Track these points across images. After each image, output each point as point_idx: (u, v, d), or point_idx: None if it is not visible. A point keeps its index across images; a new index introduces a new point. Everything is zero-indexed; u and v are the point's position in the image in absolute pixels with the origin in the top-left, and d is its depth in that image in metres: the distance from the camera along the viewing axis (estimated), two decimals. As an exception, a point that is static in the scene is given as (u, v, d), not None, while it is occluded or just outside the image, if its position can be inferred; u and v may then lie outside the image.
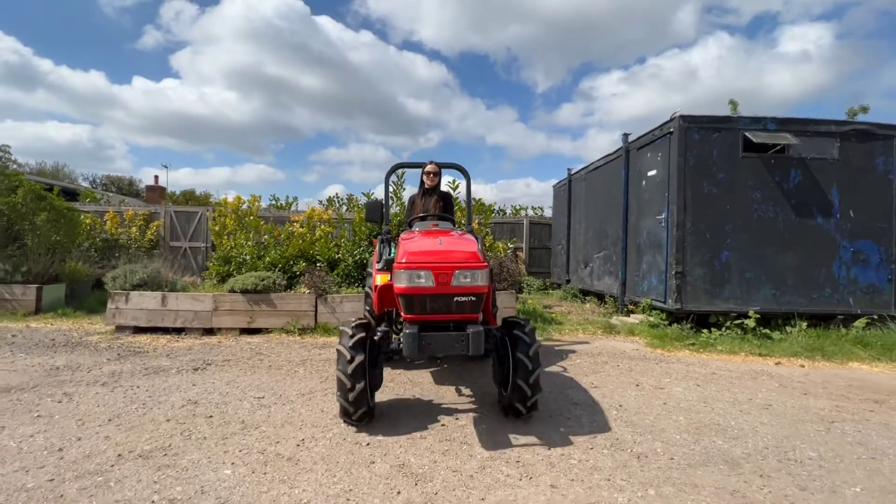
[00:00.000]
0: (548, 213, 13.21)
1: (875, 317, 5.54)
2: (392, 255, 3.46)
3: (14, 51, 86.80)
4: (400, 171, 6.50)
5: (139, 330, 5.59)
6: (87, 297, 7.54)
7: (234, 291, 5.75)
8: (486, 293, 2.73)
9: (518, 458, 2.40)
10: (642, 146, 6.56)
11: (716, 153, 5.65)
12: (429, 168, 4.07)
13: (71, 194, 12.30)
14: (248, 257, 7.25)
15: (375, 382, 2.85)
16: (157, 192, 23.71)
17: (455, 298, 2.58)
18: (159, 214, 10.34)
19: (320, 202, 15.86)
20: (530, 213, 13.84)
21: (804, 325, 5.41)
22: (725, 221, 5.64)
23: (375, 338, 2.81)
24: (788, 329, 5.40)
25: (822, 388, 3.78)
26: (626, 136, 7.06)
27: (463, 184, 4.32)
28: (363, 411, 2.66)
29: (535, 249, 11.92)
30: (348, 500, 1.98)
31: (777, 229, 5.66)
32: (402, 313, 2.70)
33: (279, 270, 6.76)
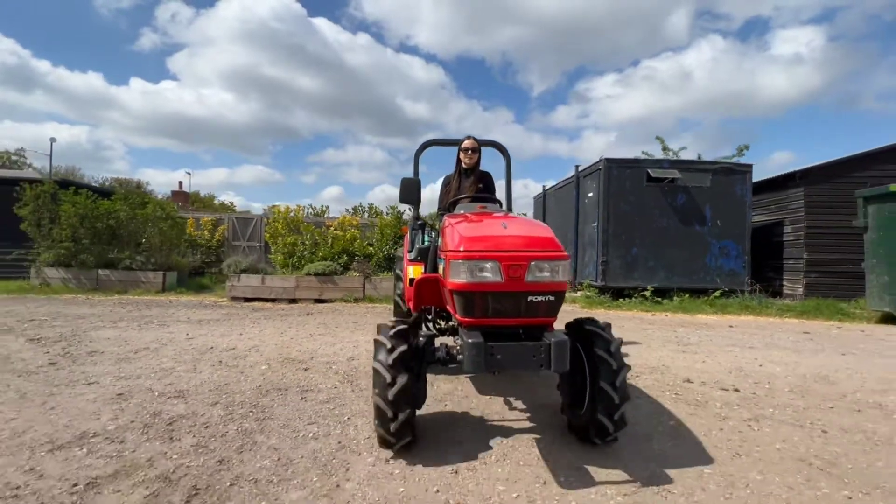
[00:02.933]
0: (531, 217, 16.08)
1: (735, 290, 8.43)
2: (426, 243, 3.23)
3: (13, 52, 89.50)
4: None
5: (247, 299, 8.41)
6: (187, 281, 10.35)
7: (309, 274, 8.58)
8: (565, 291, 2.15)
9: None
10: (586, 175, 9.45)
11: (628, 183, 8.53)
12: (466, 144, 3.48)
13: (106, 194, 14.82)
14: (306, 252, 10.09)
15: (418, 400, 2.27)
16: (181, 197, 26.56)
17: (528, 298, 2.02)
18: (223, 220, 13.16)
19: (347, 210, 18.66)
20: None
21: (686, 296, 8.29)
22: (635, 229, 8.52)
23: (418, 344, 2.26)
24: (674, 298, 8.29)
25: (675, 323, 6.65)
26: (577, 167, 9.94)
27: (502, 164, 3.90)
28: (407, 441, 2.13)
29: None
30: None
31: (669, 234, 8.54)
32: (456, 315, 2.13)
33: (330, 261, 9.60)
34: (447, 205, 3.24)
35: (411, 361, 2.13)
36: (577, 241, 9.77)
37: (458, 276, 2.02)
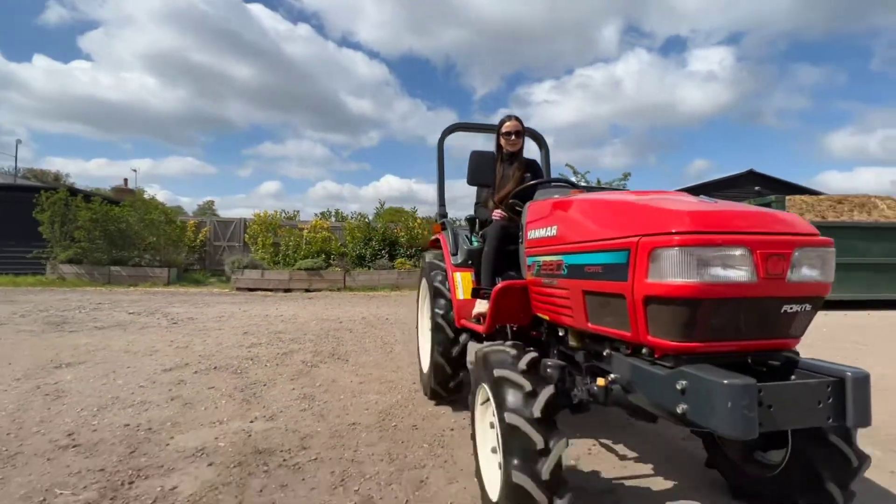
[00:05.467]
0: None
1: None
2: (474, 244, 2.67)
3: None
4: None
5: (249, 290, 10.48)
6: (183, 276, 12.09)
7: (301, 269, 10.80)
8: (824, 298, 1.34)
9: None
10: (515, 193, 12.46)
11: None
12: (508, 126, 2.77)
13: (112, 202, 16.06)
14: (290, 251, 12.23)
15: None
16: (126, 195, 26.72)
17: (784, 307, 1.26)
18: (206, 223, 14.79)
19: (316, 214, 20.56)
20: (462, 223, 19.68)
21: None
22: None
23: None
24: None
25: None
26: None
27: (538, 155, 3.33)
28: None
29: (465, 248, 17.72)
30: (398, 313, 7.42)
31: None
32: (648, 338, 1.30)
33: (311, 259, 11.83)
34: (510, 194, 2.46)
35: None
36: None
37: (671, 275, 1.19)
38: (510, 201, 2.42)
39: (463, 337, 2.64)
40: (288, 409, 2.81)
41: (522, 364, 1.46)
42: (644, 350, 1.35)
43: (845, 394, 1.17)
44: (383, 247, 12.74)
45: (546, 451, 1.28)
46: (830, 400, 1.17)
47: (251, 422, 2.60)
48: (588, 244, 1.50)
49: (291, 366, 3.87)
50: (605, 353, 1.55)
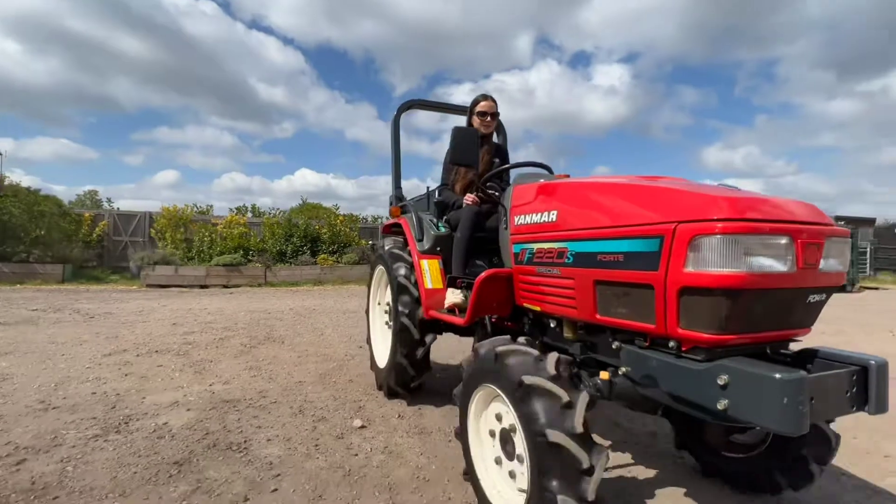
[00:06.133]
0: (395, 221, 19.79)
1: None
2: (441, 230, 2.54)
3: None
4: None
5: (161, 287, 10.11)
6: (80, 273, 11.18)
7: (219, 265, 10.65)
8: None
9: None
10: (433, 193, 13.44)
11: (459, 202, 12.76)
12: (484, 106, 2.64)
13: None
14: (205, 247, 11.91)
15: None
16: None
17: (812, 297, 1.27)
18: (103, 216, 13.61)
19: (231, 209, 19.65)
20: (384, 221, 20.28)
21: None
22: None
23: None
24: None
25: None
26: (427, 188, 13.86)
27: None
28: None
29: (386, 245, 18.35)
30: (324, 304, 7.92)
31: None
32: (679, 331, 1.23)
33: (228, 255, 11.67)
34: (482, 177, 2.33)
35: None
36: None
37: (713, 264, 1.12)
38: (489, 185, 2.32)
39: (429, 338, 2.48)
40: (239, 377, 3.35)
41: (550, 368, 1.32)
42: (671, 343, 1.26)
43: (868, 382, 1.16)
44: (305, 243, 12.91)
45: (591, 470, 1.18)
46: (854, 389, 1.16)
47: (210, 385, 3.12)
48: (603, 231, 1.39)
49: (231, 348, 4.32)
50: (613, 346, 1.46)
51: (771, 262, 1.13)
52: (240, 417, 2.50)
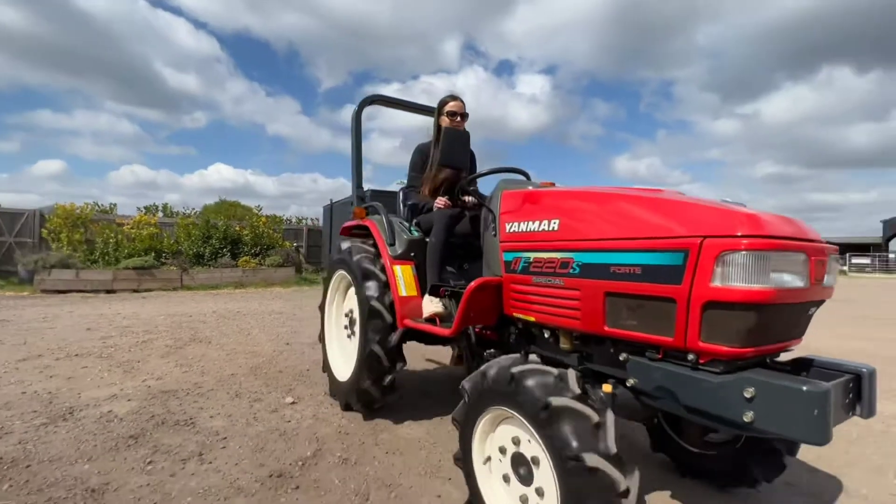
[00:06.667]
0: (321, 222, 19.68)
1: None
2: (414, 233, 2.48)
3: None
4: None
5: (59, 292, 9.36)
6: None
7: (128, 268, 10.09)
8: None
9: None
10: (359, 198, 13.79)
11: (387, 204, 13.27)
12: (453, 106, 2.67)
13: None
14: (110, 249, 11.15)
15: None
16: None
17: (811, 310, 1.40)
18: (-20, 214, 12.04)
19: (139, 209, 18.16)
20: (308, 222, 20.04)
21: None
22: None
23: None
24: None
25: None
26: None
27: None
28: None
29: (312, 247, 18.21)
30: (248, 307, 8.01)
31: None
32: (700, 344, 1.26)
33: (137, 257, 11.05)
34: (465, 180, 2.25)
35: None
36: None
37: (740, 280, 1.16)
38: (470, 189, 2.28)
39: (399, 365, 2.42)
40: (171, 373, 3.62)
41: (574, 386, 1.32)
42: (690, 356, 1.28)
43: (861, 389, 1.24)
44: (225, 245, 12.56)
45: (627, 493, 1.17)
46: (850, 395, 1.24)
47: (143, 381, 3.37)
48: (618, 242, 1.40)
49: (156, 349, 4.47)
50: (620, 358, 1.47)
51: (792, 278, 1.21)
52: (181, 403, 2.86)
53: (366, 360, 2.39)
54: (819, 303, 1.38)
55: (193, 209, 13.67)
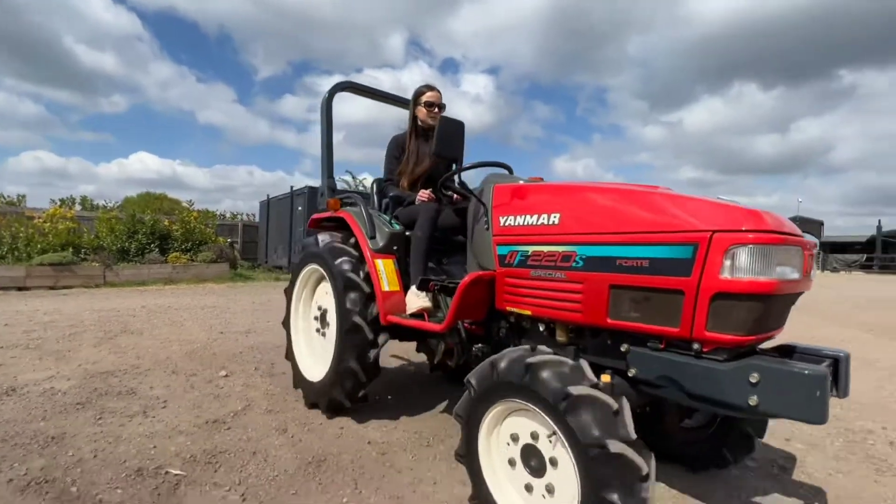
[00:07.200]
0: (257, 218, 19.29)
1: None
2: (395, 227, 2.46)
3: None
4: None
5: (-39, 289, 8.73)
6: None
7: (43, 264, 9.58)
8: None
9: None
10: (297, 194, 13.88)
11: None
12: (431, 96, 2.67)
13: None
14: (20, 244, 10.47)
15: None
16: None
17: (795, 299, 1.51)
18: None
19: (53, 201, 16.80)
20: (244, 218, 19.58)
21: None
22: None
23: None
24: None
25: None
26: (292, 187, 14.23)
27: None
28: None
29: (248, 243, 17.86)
30: (180, 302, 8.03)
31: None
32: (712, 333, 1.32)
33: (53, 252, 10.49)
34: (447, 174, 2.25)
35: None
36: (290, 237, 14.09)
37: (747, 272, 1.25)
38: (460, 182, 2.24)
39: (382, 338, 2.34)
40: (106, 359, 3.88)
41: (591, 376, 1.37)
42: (695, 345, 1.34)
43: (838, 372, 1.36)
44: (153, 240, 12.17)
45: (647, 476, 1.23)
46: (834, 376, 1.35)
47: (79, 365, 3.63)
48: (624, 236, 1.45)
49: (87, 340, 4.62)
50: (622, 349, 1.53)
51: (790, 271, 1.30)
52: (120, 380, 3.21)
53: (346, 336, 2.32)
54: (800, 294, 1.46)
55: (114, 202, 13.00)
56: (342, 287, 2.34)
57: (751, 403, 1.24)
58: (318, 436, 2.37)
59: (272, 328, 5.39)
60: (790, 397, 1.20)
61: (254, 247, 17.88)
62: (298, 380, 2.79)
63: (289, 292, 2.96)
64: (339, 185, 3.18)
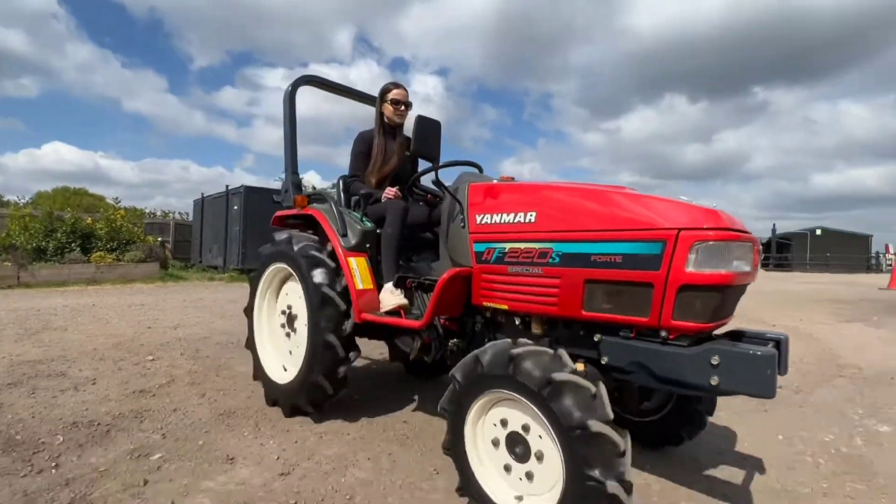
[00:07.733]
0: (191, 217, 18.71)
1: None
2: (366, 224, 2.45)
3: None
4: None
5: None
6: None
7: (-55, 265, 9.00)
8: None
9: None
10: (233, 193, 13.80)
11: (260, 201, 13.53)
12: (397, 94, 2.67)
13: None
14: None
15: None
16: None
17: (744, 291, 1.67)
18: None
19: None
20: (177, 216, 18.92)
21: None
22: (265, 231, 13.65)
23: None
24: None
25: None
26: (227, 186, 14.12)
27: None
28: None
29: (180, 242, 17.32)
30: (105, 301, 7.98)
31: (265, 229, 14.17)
32: (678, 322, 1.47)
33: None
34: (416, 173, 2.47)
35: None
36: (226, 237, 13.98)
37: (708, 266, 1.40)
38: (436, 181, 2.20)
39: (353, 354, 2.37)
40: (30, 351, 4.07)
41: (570, 362, 1.45)
42: (662, 333, 1.50)
43: (780, 352, 1.51)
44: (73, 239, 11.65)
45: (624, 453, 1.32)
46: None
47: (2, 357, 3.83)
48: (598, 233, 1.56)
49: (7, 336, 4.66)
50: (595, 339, 1.65)
51: (744, 264, 1.45)
52: (48, 367, 3.51)
53: (317, 352, 2.28)
54: (748, 285, 1.62)
55: (26, 197, 12.22)
56: (317, 303, 2.29)
57: (712, 383, 1.38)
58: (231, 397, 2.90)
59: (202, 322, 5.71)
60: (746, 376, 1.35)
61: (187, 246, 17.37)
62: (273, 393, 2.66)
63: (253, 284, 2.90)
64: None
